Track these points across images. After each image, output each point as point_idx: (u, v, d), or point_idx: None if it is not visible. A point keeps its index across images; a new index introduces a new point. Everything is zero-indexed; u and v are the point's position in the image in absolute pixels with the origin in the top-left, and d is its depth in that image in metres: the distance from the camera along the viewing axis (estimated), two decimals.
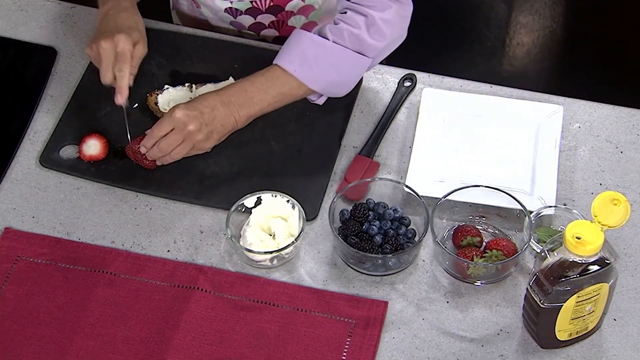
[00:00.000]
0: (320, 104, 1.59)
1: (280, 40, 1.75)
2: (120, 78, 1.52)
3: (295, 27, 1.74)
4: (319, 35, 1.52)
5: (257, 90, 1.52)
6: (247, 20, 1.73)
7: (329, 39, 1.51)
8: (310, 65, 1.51)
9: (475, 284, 1.42)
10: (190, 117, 1.48)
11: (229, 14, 1.72)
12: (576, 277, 1.24)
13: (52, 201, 1.53)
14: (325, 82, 1.54)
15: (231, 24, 1.75)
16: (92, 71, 1.64)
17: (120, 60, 1.51)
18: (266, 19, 1.72)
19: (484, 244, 1.44)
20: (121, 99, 1.52)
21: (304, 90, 1.54)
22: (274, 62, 1.53)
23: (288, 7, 1.70)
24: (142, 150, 1.51)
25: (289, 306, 1.40)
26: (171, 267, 1.44)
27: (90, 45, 1.54)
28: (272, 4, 1.69)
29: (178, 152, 1.50)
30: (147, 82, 1.64)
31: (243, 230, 1.45)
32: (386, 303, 1.40)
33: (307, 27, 1.75)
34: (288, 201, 1.46)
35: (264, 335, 1.37)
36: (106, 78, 1.52)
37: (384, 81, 1.66)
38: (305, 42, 1.52)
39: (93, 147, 1.56)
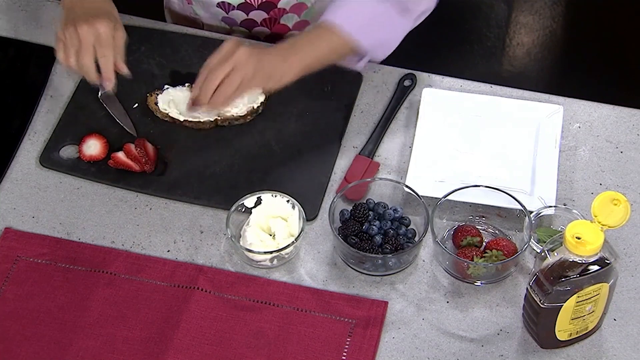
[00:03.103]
0: (361, 67, 1.59)
1: (273, 38, 1.75)
2: (106, 62, 1.47)
3: (286, 25, 1.74)
4: None
5: (306, 43, 1.51)
6: (239, 16, 1.73)
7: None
8: (360, 22, 1.52)
9: (475, 284, 1.42)
10: (242, 48, 1.44)
11: (221, 8, 1.72)
12: (576, 277, 1.24)
13: (52, 201, 1.53)
14: (372, 40, 1.54)
15: (223, 20, 1.75)
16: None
17: (104, 45, 1.47)
18: (258, 15, 1.72)
19: (484, 244, 1.44)
20: (110, 83, 1.49)
21: (351, 47, 1.53)
22: (321, 19, 1.53)
23: (280, 4, 1.70)
24: (193, 95, 1.46)
25: (289, 306, 1.40)
26: (171, 267, 1.44)
27: (64, 29, 1.47)
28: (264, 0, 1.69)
29: (230, 85, 1.43)
30: (147, 82, 1.64)
31: (243, 230, 1.45)
32: (386, 303, 1.40)
33: (300, 26, 1.75)
34: (288, 201, 1.46)
35: (264, 335, 1.37)
36: (84, 61, 1.46)
37: (384, 81, 1.67)
38: (352, 0, 1.53)
39: (93, 147, 1.56)
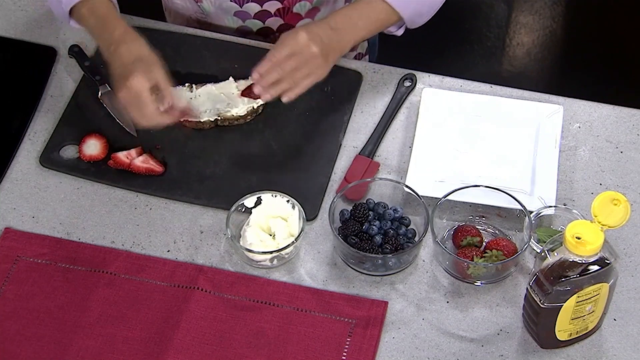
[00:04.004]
0: (399, 35, 1.64)
1: (285, 28, 1.75)
2: (150, 116, 1.46)
3: (299, 14, 1.74)
4: None
5: (360, 16, 1.56)
6: (253, 8, 1.73)
7: None
8: None
9: (475, 284, 1.42)
10: (313, 41, 1.49)
11: (236, 2, 1.71)
12: (576, 277, 1.24)
13: (52, 201, 1.53)
14: (413, 10, 1.59)
15: (235, 14, 1.74)
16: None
17: (141, 106, 1.45)
18: (272, 6, 1.72)
19: (484, 244, 1.44)
20: (186, 113, 1.52)
21: (395, 18, 1.59)
22: None
23: None
24: (255, 76, 1.50)
25: (289, 306, 1.40)
26: (171, 267, 1.44)
27: (121, 88, 1.46)
28: None
29: (298, 76, 1.50)
30: None
31: (243, 230, 1.45)
32: (386, 303, 1.40)
33: (312, 13, 1.75)
34: (288, 201, 1.46)
35: (264, 335, 1.37)
36: (144, 122, 1.47)
37: (384, 81, 1.66)
38: None
39: (93, 147, 1.56)
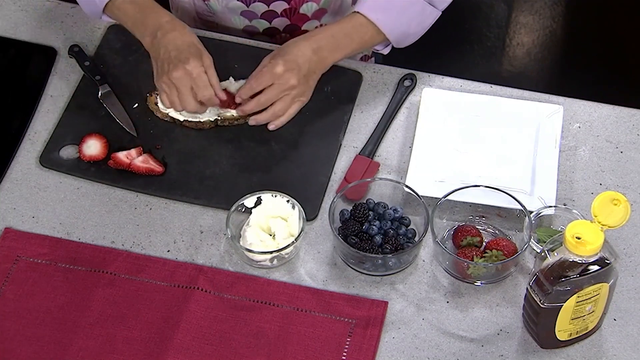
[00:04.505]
0: (385, 53, 1.64)
1: (291, 29, 1.75)
2: (209, 101, 1.51)
3: (305, 15, 1.75)
4: None
5: (344, 36, 1.56)
6: (260, 8, 1.73)
7: None
8: (391, 15, 1.56)
9: (475, 284, 1.42)
10: (290, 72, 1.51)
11: (242, 2, 1.72)
12: (576, 277, 1.24)
13: (52, 201, 1.53)
14: (401, 32, 1.59)
15: (242, 14, 1.74)
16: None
17: (201, 87, 1.50)
18: (279, 6, 1.72)
19: (484, 244, 1.44)
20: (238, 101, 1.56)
21: (380, 39, 1.59)
22: (355, 10, 1.57)
23: None
24: (238, 100, 1.53)
25: (289, 306, 1.40)
26: (171, 267, 1.44)
27: (159, 80, 1.51)
28: None
29: (280, 108, 1.53)
30: (147, 82, 1.64)
31: (243, 230, 1.45)
32: (386, 303, 1.40)
33: (318, 14, 1.75)
34: (288, 201, 1.46)
35: (264, 335, 1.37)
36: (188, 107, 1.51)
37: (384, 81, 1.66)
38: None
39: (93, 147, 1.56)
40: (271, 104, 1.53)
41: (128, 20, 1.58)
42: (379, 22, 1.56)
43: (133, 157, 1.54)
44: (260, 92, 1.53)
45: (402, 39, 1.61)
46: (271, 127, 1.55)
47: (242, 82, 1.61)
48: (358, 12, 1.57)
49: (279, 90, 1.52)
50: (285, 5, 1.73)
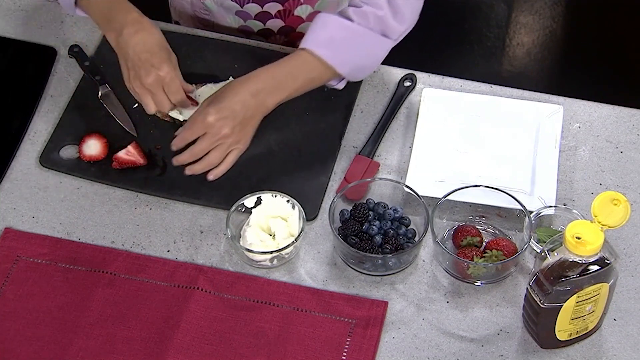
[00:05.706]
0: (340, 88, 1.58)
1: (286, 30, 1.75)
2: (182, 103, 1.51)
3: (300, 17, 1.74)
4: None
5: (286, 76, 1.49)
6: (253, 9, 1.72)
7: (354, 22, 1.50)
8: (339, 49, 1.50)
9: (475, 284, 1.42)
10: (223, 120, 1.45)
11: (236, 2, 1.71)
12: (576, 277, 1.24)
13: (52, 201, 1.53)
14: (352, 66, 1.53)
15: (237, 14, 1.74)
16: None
17: (174, 92, 1.49)
18: (273, 8, 1.72)
19: (484, 244, 1.44)
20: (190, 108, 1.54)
21: (331, 74, 1.52)
22: (301, 47, 1.50)
23: None
24: (174, 148, 1.48)
25: (289, 306, 1.40)
26: (171, 267, 1.44)
27: (132, 83, 1.50)
28: None
29: (215, 157, 1.47)
30: None
31: (243, 230, 1.45)
32: (386, 303, 1.40)
33: (313, 17, 1.75)
34: (288, 201, 1.46)
35: (264, 335, 1.37)
36: (164, 108, 1.50)
37: (384, 81, 1.66)
38: (333, 26, 1.50)
39: (93, 147, 1.56)
40: (206, 153, 1.47)
41: (95, 14, 1.55)
42: (326, 58, 1.49)
43: (133, 153, 1.54)
44: (195, 141, 1.48)
45: (355, 72, 1.55)
46: (210, 177, 1.48)
47: None
48: (304, 49, 1.49)
49: (212, 140, 1.45)
50: (280, 7, 1.72)
